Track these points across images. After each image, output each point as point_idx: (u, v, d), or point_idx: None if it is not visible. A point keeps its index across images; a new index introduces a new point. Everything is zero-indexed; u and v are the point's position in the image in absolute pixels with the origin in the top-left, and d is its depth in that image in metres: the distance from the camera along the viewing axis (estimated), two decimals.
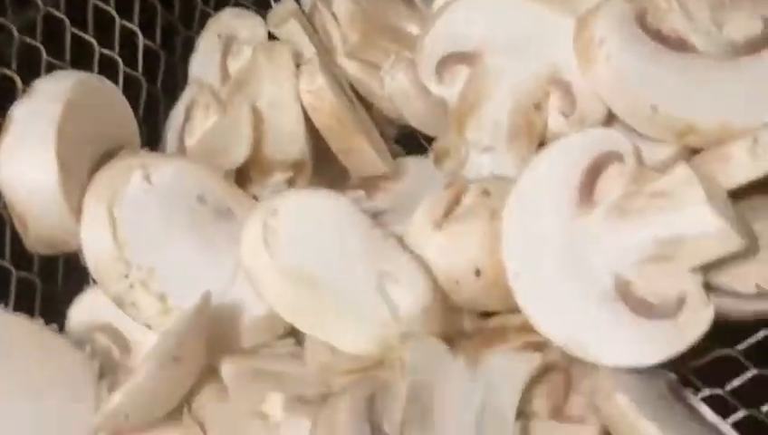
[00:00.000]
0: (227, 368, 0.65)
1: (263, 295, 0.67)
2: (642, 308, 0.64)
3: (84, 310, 0.69)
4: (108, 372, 0.68)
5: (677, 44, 0.72)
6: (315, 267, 0.66)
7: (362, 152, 0.72)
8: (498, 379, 0.63)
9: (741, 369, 0.68)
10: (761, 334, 0.69)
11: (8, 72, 0.69)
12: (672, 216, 0.64)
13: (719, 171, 0.65)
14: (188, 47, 0.80)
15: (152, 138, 0.76)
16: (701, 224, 0.63)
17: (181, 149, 0.74)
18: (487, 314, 0.70)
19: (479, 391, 0.63)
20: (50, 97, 0.67)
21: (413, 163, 0.77)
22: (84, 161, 0.67)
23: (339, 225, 0.68)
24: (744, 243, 0.63)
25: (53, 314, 0.70)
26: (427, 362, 0.62)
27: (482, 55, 0.74)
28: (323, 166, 0.73)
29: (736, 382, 0.68)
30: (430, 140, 0.78)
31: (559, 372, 0.65)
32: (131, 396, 0.62)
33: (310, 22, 0.77)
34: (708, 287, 0.64)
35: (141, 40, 0.73)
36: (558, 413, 0.65)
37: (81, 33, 0.74)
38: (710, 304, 0.63)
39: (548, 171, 0.67)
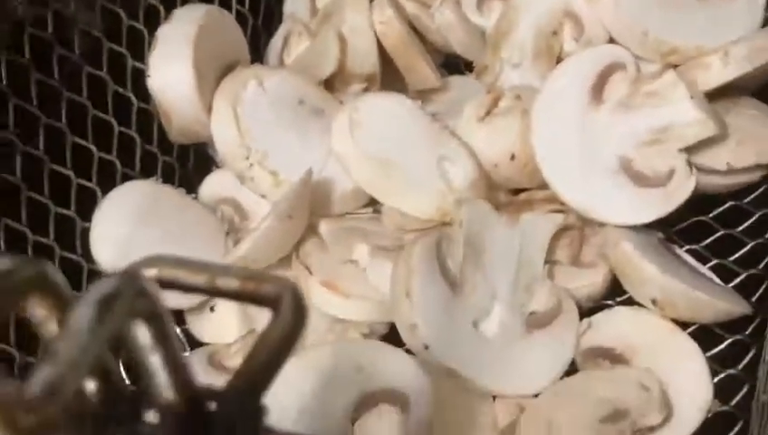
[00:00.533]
0: (324, 226, 0.68)
1: (349, 174, 0.68)
2: (640, 179, 0.66)
3: (211, 187, 0.72)
4: (231, 232, 0.67)
5: None
6: (389, 151, 0.68)
7: (420, 70, 0.74)
8: (531, 232, 0.66)
9: (713, 231, 0.68)
10: (724, 205, 0.69)
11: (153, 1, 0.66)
12: (663, 109, 0.66)
13: (699, 77, 0.68)
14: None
15: (255, 61, 0.74)
16: (685, 115, 0.65)
17: (282, 67, 0.72)
18: (517, 191, 0.70)
19: (517, 240, 0.64)
20: (186, 22, 0.69)
21: (455, 80, 0.78)
22: (212, 72, 0.69)
23: (406, 119, 0.69)
24: (718, 129, 0.65)
25: (187, 191, 0.70)
26: (479, 217, 0.64)
27: None
28: (388, 80, 0.75)
29: (709, 240, 0.68)
30: (468, 65, 0.78)
31: (575, 230, 0.67)
32: (256, 243, 0.65)
33: None
34: (691, 165, 0.64)
35: None
36: (575, 260, 0.67)
37: None
38: (693, 177, 0.66)
39: (566, 77, 0.69)
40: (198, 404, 0.34)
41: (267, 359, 0.36)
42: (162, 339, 0.33)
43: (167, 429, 0.34)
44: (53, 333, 0.30)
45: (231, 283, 0.38)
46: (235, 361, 0.63)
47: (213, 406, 0.34)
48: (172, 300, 0.63)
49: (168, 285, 0.39)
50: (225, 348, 0.64)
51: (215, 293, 0.38)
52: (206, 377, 0.62)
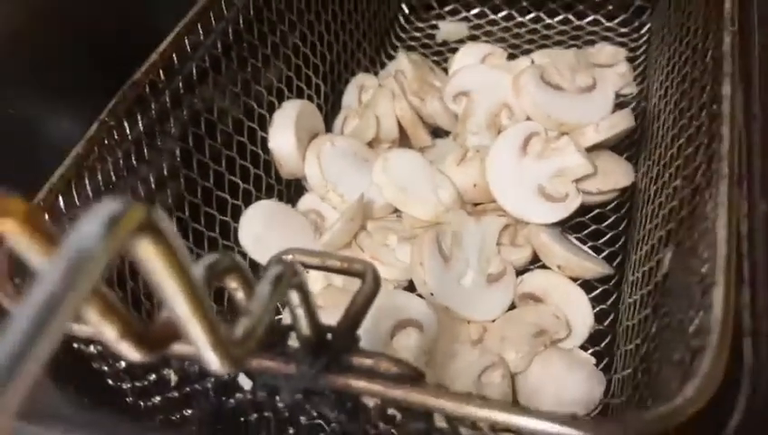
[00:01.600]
0: (370, 224, 0.68)
1: (382, 193, 0.68)
2: (550, 198, 0.66)
3: (304, 203, 0.72)
4: (316, 229, 0.67)
5: (557, 87, 0.72)
6: (405, 181, 0.68)
7: (420, 136, 0.75)
8: (488, 227, 0.65)
9: (588, 226, 0.69)
10: (595, 211, 0.69)
11: (272, 98, 0.66)
12: (562, 158, 0.65)
13: (581, 139, 0.67)
14: (340, 92, 0.76)
15: (327, 131, 0.74)
16: (575, 161, 0.65)
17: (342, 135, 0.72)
18: (476, 204, 0.69)
19: (480, 232, 0.64)
20: (290, 109, 0.69)
21: (440, 141, 0.78)
22: (305, 138, 0.69)
23: (415, 163, 0.69)
24: (593, 169, 0.65)
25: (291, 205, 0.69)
26: (459, 219, 0.64)
27: (471, 93, 0.75)
28: (402, 142, 0.74)
29: (586, 231, 0.69)
30: (446, 132, 0.78)
31: (512, 226, 0.67)
32: (333, 236, 0.65)
33: (394, 78, 0.75)
34: (578, 189, 0.65)
35: (323, 89, 0.71)
36: (512, 243, 0.67)
37: (302, 85, 0.70)
38: (579, 196, 0.65)
39: (506, 140, 0.69)
40: (322, 335, 0.36)
41: (359, 309, 0.37)
42: (305, 300, 0.34)
43: (303, 348, 0.36)
44: (242, 300, 0.31)
45: (335, 263, 0.39)
46: (320, 301, 0.64)
47: (329, 336, 0.36)
48: None
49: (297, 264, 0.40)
50: (314, 294, 0.66)
51: (325, 269, 0.39)
52: None
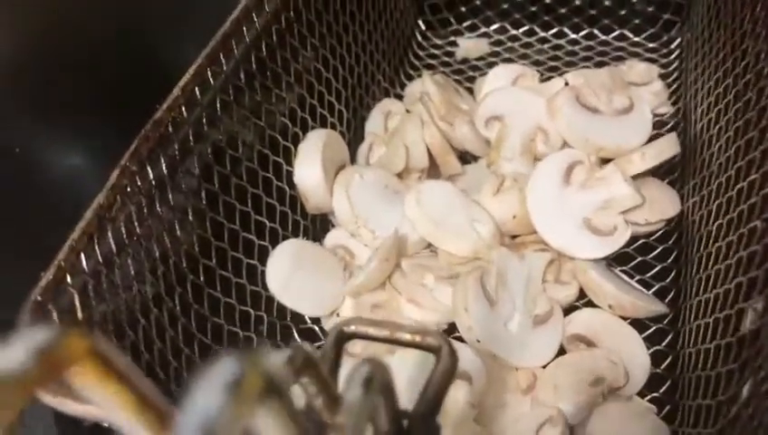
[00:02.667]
0: (404, 263, 0.63)
1: (415, 228, 0.64)
2: (596, 231, 0.62)
3: (331, 239, 0.67)
4: (346, 267, 0.63)
5: (594, 109, 0.68)
6: (440, 215, 0.64)
7: (450, 163, 0.71)
8: (533, 264, 0.61)
9: (634, 258, 0.64)
10: (640, 241, 0.65)
11: (296, 129, 0.61)
12: (608, 188, 0.62)
13: (627, 167, 0.63)
14: (362, 118, 0.72)
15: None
16: (622, 191, 0.61)
17: (368, 165, 0.69)
18: (514, 236, 0.65)
19: (525, 270, 0.60)
20: (315, 140, 0.65)
21: (469, 168, 0.74)
22: (331, 170, 0.65)
23: (449, 195, 0.65)
24: (641, 200, 0.61)
25: (315, 240, 0.65)
26: (503, 257, 0.59)
27: (504, 117, 0.70)
28: (431, 169, 0.68)
29: (632, 263, 0.64)
30: (474, 157, 0.74)
31: (556, 261, 0.62)
32: (367, 277, 0.61)
33: (421, 102, 0.71)
34: (626, 221, 0.61)
35: (346, 116, 0.66)
36: (557, 280, 0.63)
37: (325, 113, 0.66)
38: (629, 229, 0.62)
39: (548, 167, 0.65)
40: (398, 421, 0.31)
41: (437, 390, 0.33)
42: (386, 391, 0.29)
43: None
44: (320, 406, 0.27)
45: (405, 336, 0.34)
46: (354, 347, 0.59)
47: (406, 423, 0.32)
48: (314, 310, 0.59)
49: (362, 336, 0.35)
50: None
51: (393, 342, 0.35)
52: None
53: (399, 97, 0.82)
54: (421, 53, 0.89)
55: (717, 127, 0.60)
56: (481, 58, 0.88)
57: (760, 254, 0.43)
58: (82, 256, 0.42)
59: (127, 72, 0.54)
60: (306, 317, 0.62)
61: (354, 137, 0.74)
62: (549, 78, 0.78)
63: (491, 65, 0.86)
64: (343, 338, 0.35)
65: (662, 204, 0.64)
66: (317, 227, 0.67)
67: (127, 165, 0.46)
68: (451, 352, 0.34)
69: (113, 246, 0.44)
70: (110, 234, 0.44)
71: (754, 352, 0.39)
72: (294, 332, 0.62)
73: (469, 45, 0.89)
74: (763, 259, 0.42)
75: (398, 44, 0.85)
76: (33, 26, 0.50)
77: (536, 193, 0.63)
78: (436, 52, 0.90)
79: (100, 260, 0.43)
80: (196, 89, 0.52)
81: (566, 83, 0.73)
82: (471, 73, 0.85)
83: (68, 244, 0.42)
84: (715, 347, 0.47)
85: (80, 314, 0.41)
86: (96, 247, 0.43)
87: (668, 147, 0.63)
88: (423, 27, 0.91)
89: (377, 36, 0.79)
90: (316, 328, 0.62)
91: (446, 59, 0.88)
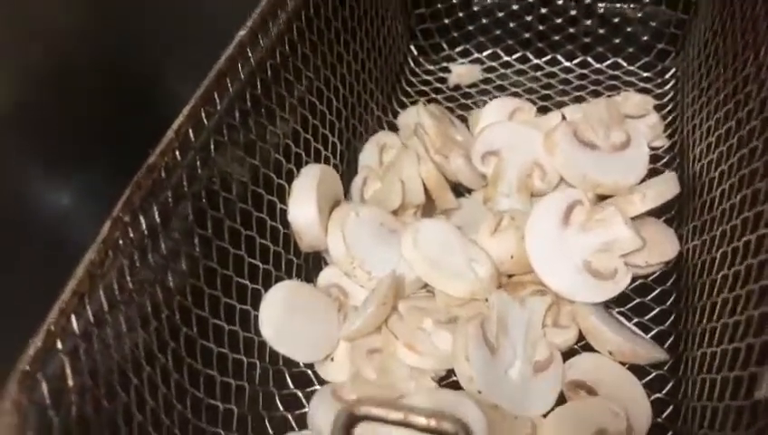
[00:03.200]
0: (401, 305, 0.62)
1: (412, 269, 0.62)
2: (597, 275, 0.62)
3: (325, 278, 0.65)
4: (341, 307, 0.62)
5: (591, 145, 0.68)
6: (437, 254, 0.63)
7: (446, 198, 0.69)
8: (533, 309, 0.60)
9: (632, 299, 0.64)
10: (638, 282, 0.64)
11: (291, 166, 0.60)
12: (608, 230, 0.61)
13: (627, 208, 0.62)
14: (355, 149, 0.70)
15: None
16: (622, 234, 0.60)
17: (363, 200, 0.67)
18: (510, 276, 0.64)
19: (526, 315, 0.59)
20: (309, 177, 0.63)
21: (464, 201, 0.73)
22: (325, 207, 0.63)
23: (447, 235, 0.64)
24: (643, 243, 0.60)
25: (308, 279, 0.64)
26: (503, 302, 0.58)
27: (501, 151, 0.69)
28: (426, 204, 0.67)
29: (630, 305, 0.64)
30: (468, 190, 0.72)
31: (555, 304, 0.61)
32: (364, 322, 0.60)
33: (416, 134, 0.70)
34: (627, 264, 0.60)
35: (339, 148, 0.65)
36: (556, 324, 0.61)
37: (319, 147, 0.64)
38: (630, 272, 0.61)
39: (547, 207, 0.64)
40: None
41: None
42: None
43: None
44: None
45: (420, 420, 0.33)
46: (350, 395, 0.58)
47: None
48: (308, 356, 0.58)
49: (373, 419, 0.34)
50: (340, 385, 0.59)
51: (409, 426, 0.33)
52: (331, 405, 0.57)
53: (392, 125, 0.80)
54: (414, 80, 0.88)
55: (719, 171, 0.59)
56: (473, 85, 0.87)
57: None
58: (73, 317, 0.40)
59: (124, 108, 0.52)
60: (300, 362, 0.60)
61: (347, 170, 0.72)
62: (544, 108, 0.78)
63: (484, 93, 0.85)
64: (353, 421, 0.33)
65: (661, 246, 0.63)
66: (310, 264, 0.65)
67: (119, 216, 0.44)
68: None
69: (105, 304, 0.42)
70: (101, 291, 0.42)
71: None
72: (287, 376, 0.60)
73: (461, 72, 0.88)
74: None
75: (390, 71, 0.84)
76: (34, 69, 0.48)
77: (535, 234, 0.62)
78: (428, 78, 0.88)
79: (92, 320, 0.41)
80: (190, 130, 0.50)
81: (563, 117, 0.72)
82: (464, 101, 0.84)
83: (58, 306, 0.39)
84: (724, 407, 0.46)
85: (70, 382, 0.39)
86: (87, 307, 0.41)
87: (669, 188, 0.63)
88: (415, 53, 0.90)
89: (370, 64, 0.78)
90: (309, 372, 0.61)
91: (439, 85, 0.87)
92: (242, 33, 0.56)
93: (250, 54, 0.56)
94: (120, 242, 0.44)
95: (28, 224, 0.50)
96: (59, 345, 0.39)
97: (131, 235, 0.45)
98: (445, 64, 0.89)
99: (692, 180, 0.67)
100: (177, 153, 0.49)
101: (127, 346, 0.44)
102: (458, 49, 0.90)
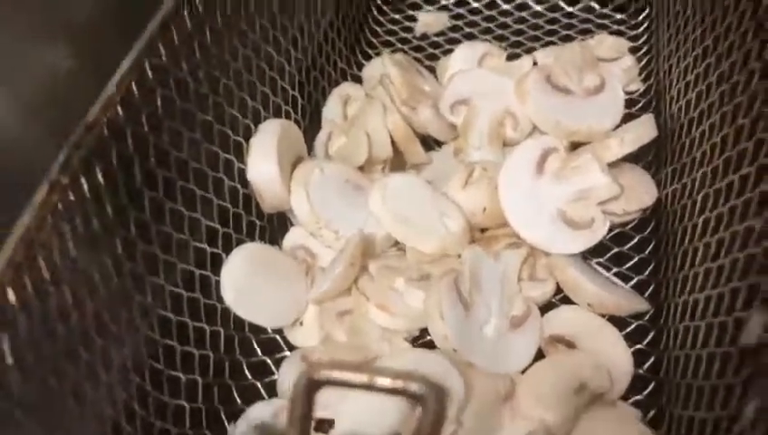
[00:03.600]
0: (372, 265, 0.60)
1: (382, 226, 0.60)
2: (573, 224, 0.59)
3: (291, 240, 0.62)
4: (308, 270, 0.59)
5: (565, 90, 0.65)
6: (407, 210, 0.60)
7: (415, 151, 0.66)
8: (508, 263, 0.58)
9: (610, 249, 0.62)
10: (616, 231, 0.63)
11: (248, 122, 0.56)
12: (584, 177, 0.58)
13: (604, 154, 0.60)
14: (317, 103, 0.67)
15: None
16: (599, 181, 0.58)
17: (327, 156, 0.63)
18: (483, 230, 0.62)
19: (501, 269, 0.57)
20: (268, 133, 0.60)
21: (434, 155, 0.70)
22: (287, 164, 0.60)
23: (416, 189, 0.61)
24: (620, 190, 0.58)
25: (272, 242, 0.60)
26: (476, 257, 0.56)
27: (471, 100, 0.67)
28: (395, 159, 0.64)
29: (608, 255, 0.62)
30: (438, 142, 0.69)
31: (531, 257, 0.59)
32: (332, 284, 0.57)
33: (381, 85, 0.66)
34: (604, 212, 0.58)
35: (300, 102, 0.62)
36: (532, 277, 0.59)
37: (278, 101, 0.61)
38: (607, 221, 0.59)
39: (520, 156, 0.61)
40: None
41: None
42: None
43: None
44: None
45: (385, 382, 0.31)
46: (317, 357, 0.56)
47: None
48: (274, 321, 0.55)
49: (336, 383, 0.31)
50: (310, 350, 0.57)
51: (374, 389, 0.31)
52: (299, 368, 0.55)
53: (357, 79, 0.77)
54: (378, 30, 0.84)
55: (698, 110, 0.57)
56: (441, 33, 0.83)
57: (760, 258, 0.40)
58: (9, 290, 0.37)
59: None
60: (268, 327, 0.58)
61: (310, 125, 0.69)
62: (515, 55, 0.75)
63: (452, 41, 0.81)
64: (314, 386, 0.31)
65: (639, 192, 0.61)
66: (274, 226, 0.63)
67: (58, 179, 0.41)
68: (438, 400, 0.30)
69: (47, 274, 0.39)
70: (41, 261, 0.39)
71: (761, 368, 0.37)
72: (255, 344, 0.58)
73: (428, 20, 0.85)
74: (762, 266, 0.40)
75: (353, 21, 0.80)
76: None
77: (508, 185, 0.60)
78: (393, 27, 0.84)
79: (31, 292, 0.38)
80: (134, 84, 0.46)
81: (535, 63, 0.69)
82: (431, 50, 0.81)
83: None
84: (708, 355, 0.44)
85: (9, 360, 0.36)
86: (26, 278, 0.38)
87: (646, 131, 0.60)
88: (379, 1, 0.86)
89: (331, 13, 0.74)
90: (278, 338, 0.58)
91: (405, 35, 0.83)
92: None
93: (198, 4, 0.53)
94: (60, 206, 0.41)
95: None
96: None
97: (72, 198, 0.42)
98: (411, 13, 0.85)
99: (669, 123, 0.64)
100: (120, 109, 0.45)
101: (74, 319, 0.41)
102: None
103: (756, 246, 0.41)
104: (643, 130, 0.60)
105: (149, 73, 0.48)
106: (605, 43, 0.76)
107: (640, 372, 0.55)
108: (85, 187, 0.43)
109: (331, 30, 0.74)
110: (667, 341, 0.53)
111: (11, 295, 0.37)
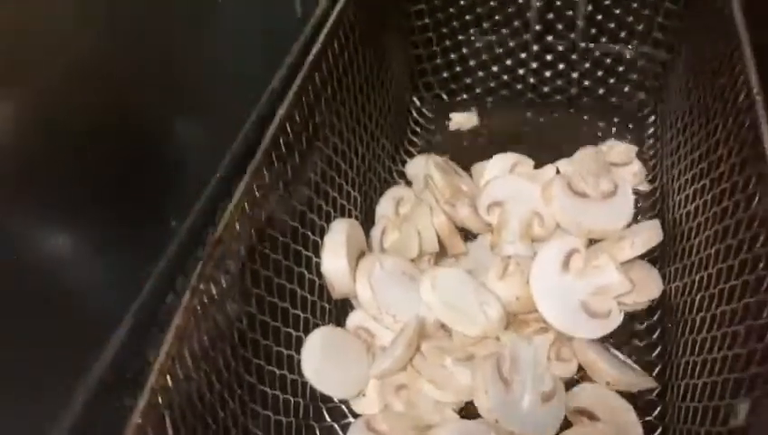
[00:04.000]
0: (424, 346, 0.69)
1: (432, 311, 0.70)
2: (593, 314, 0.70)
3: (353, 320, 0.73)
4: (369, 348, 0.70)
5: (583, 195, 0.76)
6: (453, 298, 0.71)
7: (456, 244, 0.78)
8: (539, 345, 0.68)
9: (622, 334, 0.72)
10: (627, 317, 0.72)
11: (321, 223, 0.67)
12: (603, 276, 0.69)
13: (617, 254, 0.71)
14: (369, 198, 0.78)
15: None
16: (615, 279, 0.69)
17: (382, 249, 0.75)
18: (515, 315, 0.72)
19: (533, 351, 0.68)
20: (339, 232, 0.72)
21: (471, 246, 0.80)
22: (353, 258, 0.71)
23: (460, 281, 0.72)
24: (632, 287, 0.69)
25: (338, 323, 0.71)
26: (514, 341, 0.67)
27: (505, 203, 0.78)
28: (439, 250, 0.75)
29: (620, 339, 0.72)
30: (473, 234, 0.80)
31: (557, 340, 0.69)
32: (393, 362, 0.67)
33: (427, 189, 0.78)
34: (619, 305, 0.69)
35: (359, 200, 0.75)
36: (558, 358, 0.69)
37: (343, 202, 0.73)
38: (621, 313, 0.69)
39: (548, 254, 0.72)
40: None
41: None
42: None
43: None
44: None
45: None
46: (381, 425, 0.66)
47: None
48: (342, 393, 0.66)
49: None
50: (372, 417, 0.67)
51: None
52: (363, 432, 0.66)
53: (400, 174, 0.89)
54: (417, 129, 0.97)
55: (696, 222, 0.69)
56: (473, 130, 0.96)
57: (744, 358, 0.52)
58: (168, 377, 0.48)
59: (126, 156, 0.58)
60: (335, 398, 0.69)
61: (366, 218, 0.81)
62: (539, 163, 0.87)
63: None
64: None
65: (648, 286, 0.73)
66: (338, 308, 0.74)
67: (198, 286, 0.52)
68: None
69: (189, 362, 0.51)
70: (186, 352, 0.50)
71: None
72: (324, 411, 0.69)
73: (460, 119, 0.97)
74: (747, 363, 0.51)
75: (395, 121, 0.93)
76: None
77: (538, 278, 0.71)
78: (430, 127, 0.97)
79: (181, 377, 0.49)
80: (246, 204, 0.59)
81: (557, 171, 0.82)
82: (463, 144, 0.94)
83: (156, 367, 0.48)
84: (705, 432, 0.55)
85: (170, 432, 0.47)
86: (177, 366, 0.49)
87: (654, 235, 0.72)
88: (418, 104, 0.99)
89: (381, 118, 0.86)
90: (343, 407, 0.69)
91: (438, 137, 0.96)
92: (281, 111, 0.65)
93: (290, 130, 0.65)
94: (198, 308, 0.52)
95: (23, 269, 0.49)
96: (160, 401, 0.47)
97: (205, 300, 0.53)
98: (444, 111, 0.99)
99: (673, 226, 0.76)
100: (237, 226, 0.57)
101: (207, 397, 0.52)
102: (458, 99, 0.99)
103: (742, 348, 0.52)
104: (651, 235, 0.72)
105: (257, 194, 0.60)
106: (615, 150, 0.89)
107: None
108: (213, 290, 0.54)
109: (378, 131, 0.86)
110: (672, 416, 0.64)
111: (169, 381, 0.48)
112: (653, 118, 0.94)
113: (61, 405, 0.49)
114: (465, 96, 0.99)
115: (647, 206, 0.85)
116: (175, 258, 0.59)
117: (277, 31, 0.77)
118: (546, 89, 0.97)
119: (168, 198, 0.62)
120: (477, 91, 0.99)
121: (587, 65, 0.95)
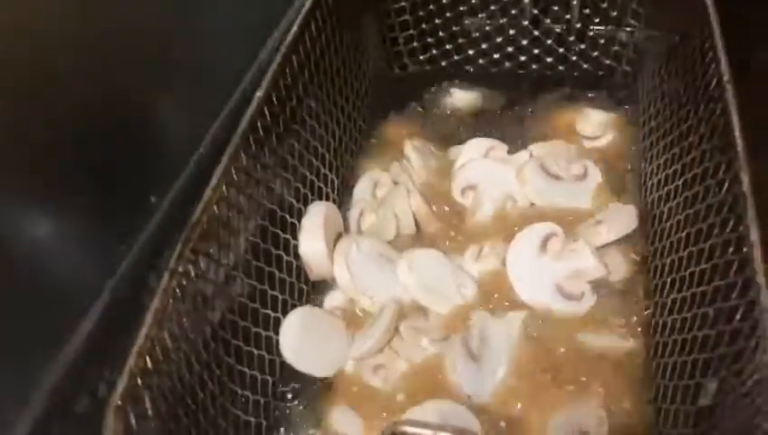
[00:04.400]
0: (402, 327, 0.71)
1: (409, 292, 0.72)
2: (568, 296, 0.70)
3: (332, 300, 0.74)
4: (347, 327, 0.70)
5: (555, 176, 0.77)
6: (430, 280, 0.72)
7: (433, 227, 0.76)
8: (511, 323, 0.69)
9: None
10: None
11: (299, 205, 0.68)
12: (578, 260, 0.70)
13: (593, 238, 0.72)
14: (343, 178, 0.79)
15: None
16: (590, 263, 0.70)
17: (360, 232, 0.76)
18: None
19: (505, 327, 0.68)
20: (316, 214, 0.72)
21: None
22: (331, 240, 0.71)
23: (437, 262, 0.72)
24: (606, 272, 0.70)
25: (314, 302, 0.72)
26: (483, 319, 0.68)
27: (478, 186, 0.78)
28: (417, 235, 0.76)
29: None
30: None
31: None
32: (375, 343, 0.68)
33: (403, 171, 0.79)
34: (593, 288, 0.70)
35: (337, 183, 0.75)
36: None
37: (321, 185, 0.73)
38: (595, 295, 0.70)
39: (526, 239, 0.73)
40: None
41: None
42: None
43: None
44: None
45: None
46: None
47: None
48: (321, 372, 0.66)
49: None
50: None
51: None
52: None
53: (375, 147, 0.89)
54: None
55: (668, 206, 0.70)
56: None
57: (713, 339, 0.53)
58: (147, 358, 0.48)
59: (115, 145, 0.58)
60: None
61: (342, 201, 0.81)
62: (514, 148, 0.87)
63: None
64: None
65: (621, 268, 0.74)
66: (315, 288, 0.74)
67: (176, 268, 0.52)
68: None
69: (169, 343, 0.51)
70: (166, 333, 0.50)
71: (710, 426, 0.49)
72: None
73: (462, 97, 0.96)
74: (715, 344, 0.53)
75: (366, 94, 0.92)
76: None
77: (515, 261, 0.72)
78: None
79: (160, 358, 0.50)
80: (224, 186, 0.59)
81: (530, 155, 0.82)
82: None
83: (135, 350, 0.48)
84: (674, 410, 0.57)
85: (150, 412, 0.47)
86: (157, 350, 0.49)
87: (629, 222, 0.74)
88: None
89: (358, 101, 0.86)
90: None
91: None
92: (259, 94, 0.65)
93: (267, 115, 0.65)
94: (177, 290, 0.52)
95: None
96: (139, 382, 0.47)
97: (185, 283, 0.53)
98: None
99: (646, 208, 0.77)
100: (216, 208, 0.57)
101: (186, 378, 0.53)
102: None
103: (711, 328, 0.54)
104: (627, 221, 0.74)
105: (234, 177, 0.60)
106: (590, 119, 0.89)
107: None
108: (192, 273, 0.54)
109: (355, 111, 0.86)
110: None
111: (148, 362, 0.49)
112: (627, 106, 0.95)
113: (43, 370, 0.50)
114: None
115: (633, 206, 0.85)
116: (157, 234, 0.59)
117: (262, 10, 0.77)
118: (518, 72, 0.97)
119: (148, 174, 0.61)
120: (452, 73, 0.99)
121: (561, 49, 0.96)
